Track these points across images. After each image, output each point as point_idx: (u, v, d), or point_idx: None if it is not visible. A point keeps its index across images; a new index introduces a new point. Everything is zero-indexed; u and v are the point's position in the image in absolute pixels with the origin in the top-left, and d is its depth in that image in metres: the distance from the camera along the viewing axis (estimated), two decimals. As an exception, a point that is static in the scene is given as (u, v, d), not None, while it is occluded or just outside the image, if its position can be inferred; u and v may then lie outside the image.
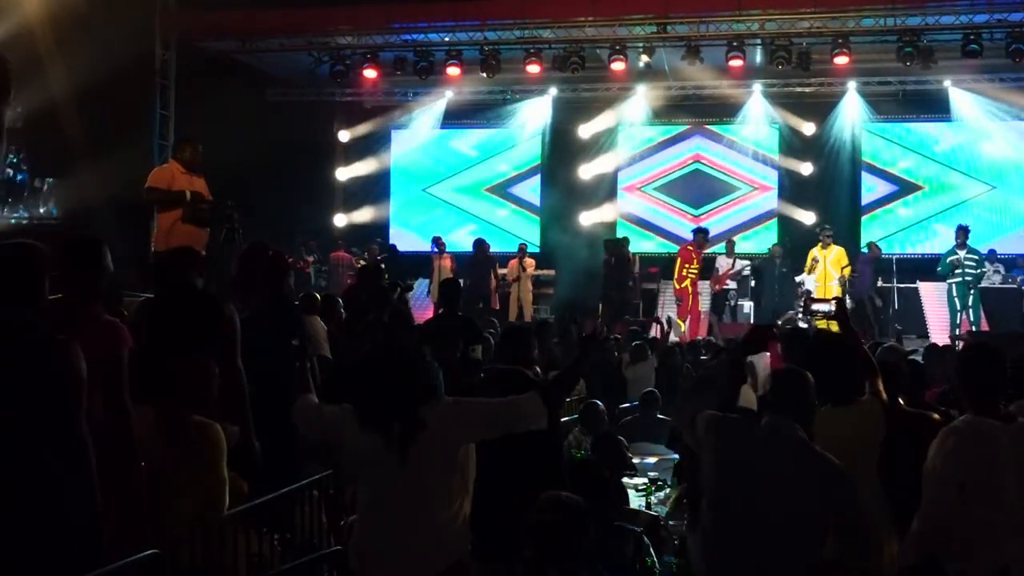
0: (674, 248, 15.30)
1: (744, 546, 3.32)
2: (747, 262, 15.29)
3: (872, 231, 16.85)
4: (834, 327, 6.09)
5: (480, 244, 14.83)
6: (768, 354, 11.04)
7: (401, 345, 3.38)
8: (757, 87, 16.07)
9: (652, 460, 6.34)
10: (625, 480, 5.52)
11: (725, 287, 14.78)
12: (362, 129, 18.16)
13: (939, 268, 13.20)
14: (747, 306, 15.05)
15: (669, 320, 11.94)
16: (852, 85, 15.89)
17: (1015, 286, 13.92)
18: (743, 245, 16.40)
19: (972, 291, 12.84)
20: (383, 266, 14.75)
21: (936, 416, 4.17)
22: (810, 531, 3.29)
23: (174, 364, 3.86)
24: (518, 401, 3.32)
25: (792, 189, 17.16)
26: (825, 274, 13.47)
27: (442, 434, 3.17)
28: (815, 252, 13.76)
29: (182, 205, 7.71)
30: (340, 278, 15.10)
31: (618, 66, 13.79)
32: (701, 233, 14.12)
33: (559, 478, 4.32)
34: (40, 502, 2.91)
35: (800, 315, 13.69)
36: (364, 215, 18.36)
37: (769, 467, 3.35)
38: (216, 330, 4.21)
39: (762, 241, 16.71)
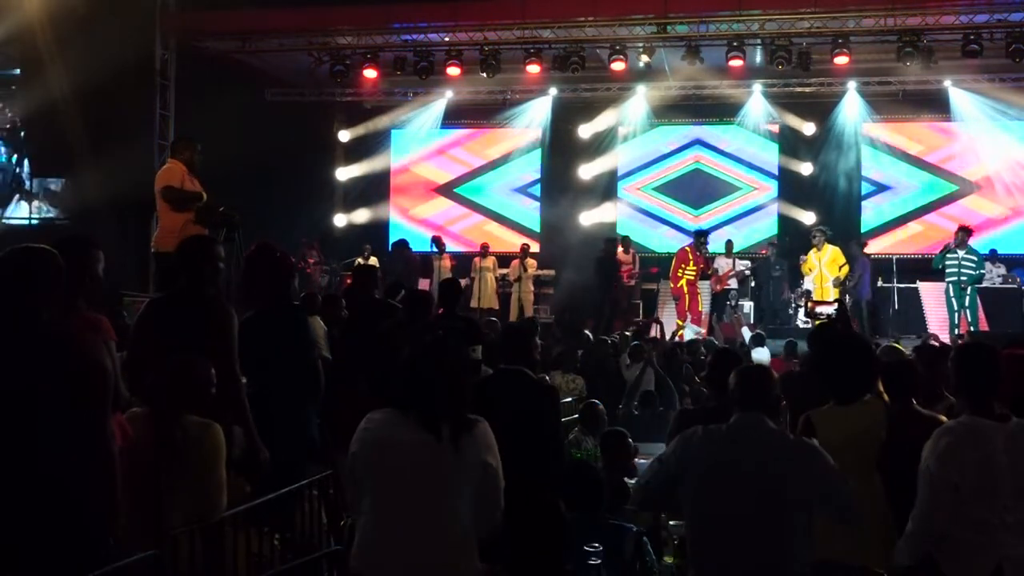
0: (674, 248, 15.29)
1: (732, 543, 3.29)
2: (748, 262, 15.30)
3: (872, 231, 16.87)
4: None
5: (609, 244, 14.73)
6: (766, 350, 11.11)
7: (455, 346, 3.37)
8: (757, 87, 16.07)
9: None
10: (625, 480, 5.52)
11: (726, 287, 14.79)
12: (362, 129, 18.16)
13: (934, 261, 13.13)
14: (747, 306, 15.06)
15: (671, 326, 11.96)
16: (852, 85, 15.88)
17: (1015, 286, 13.91)
18: (743, 245, 16.40)
19: (967, 291, 12.79)
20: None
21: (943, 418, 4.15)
22: (795, 520, 3.27)
23: (169, 364, 3.87)
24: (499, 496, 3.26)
25: (792, 189, 17.16)
26: (820, 275, 13.45)
27: (479, 449, 3.17)
28: (810, 255, 13.73)
29: (199, 205, 7.71)
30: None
31: (618, 66, 13.78)
32: (701, 236, 14.10)
33: (560, 477, 4.33)
34: (57, 497, 2.92)
35: (802, 316, 13.76)
36: (364, 215, 18.36)
37: (745, 461, 3.33)
38: (214, 333, 4.20)
39: (762, 241, 16.72)
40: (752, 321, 14.62)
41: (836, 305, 11.21)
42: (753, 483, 3.27)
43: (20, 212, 14.54)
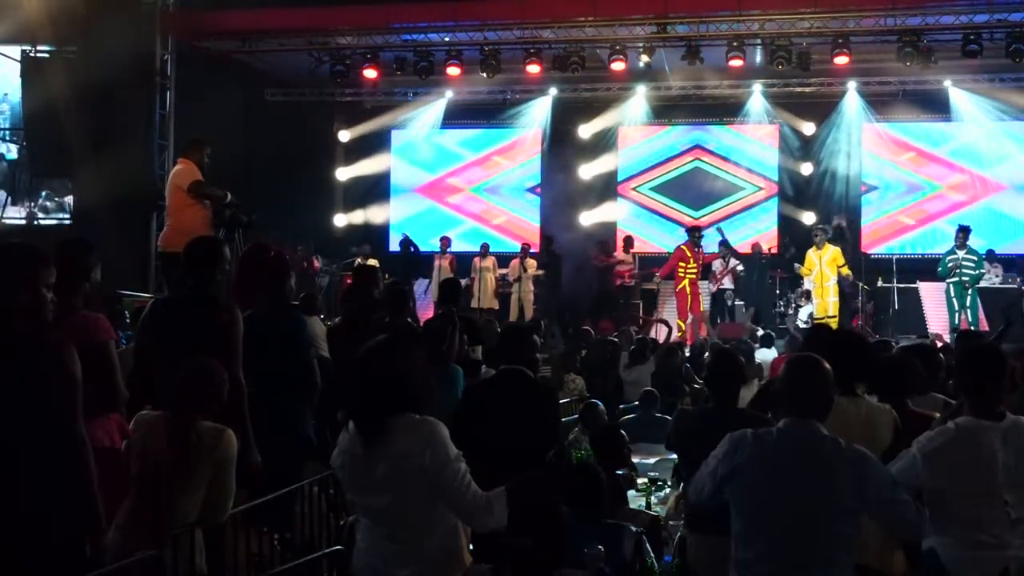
0: (673, 248, 15.27)
1: (778, 549, 3.18)
2: (736, 261, 15.28)
3: (872, 231, 16.87)
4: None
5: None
6: (773, 351, 11.11)
7: (391, 349, 3.22)
8: (757, 87, 16.06)
9: (652, 460, 6.34)
10: (619, 476, 5.52)
11: (721, 287, 14.79)
12: (362, 129, 18.14)
13: (939, 270, 13.19)
14: (743, 306, 15.06)
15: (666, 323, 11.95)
16: (852, 85, 15.88)
17: (1015, 286, 13.92)
18: (743, 246, 16.37)
19: (969, 291, 12.81)
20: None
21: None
22: (844, 528, 3.16)
23: (186, 368, 3.85)
24: (487, 500, 3.09)
25: (792, 189, 17.16)
26: (821, 275, 13.42)
27: (409, 453, 3.04)
28: (808, 255, 13.71)
29: (224, 204, 7.72)
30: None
31: (618, 66, 13.78)
32: (695, 232, 14.10)
33: (560, 478, 4.33)
34: (32, 502, 2.91)
35: (802, 316, 13.77)
36: (364, 215, 18.36)
37: (797, 470, 3.17)
38: (220, 334, 4.19)
39: (762, 241, 16.71)
40: (749, 322, 14.61)
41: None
42: (803, 492, 3.15)
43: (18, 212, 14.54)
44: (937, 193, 16.78)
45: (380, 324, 5.79)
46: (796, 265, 14.04)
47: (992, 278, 14.03)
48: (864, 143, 16.89)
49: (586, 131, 17.43)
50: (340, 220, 18.32)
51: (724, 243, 14.82)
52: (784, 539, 3.17)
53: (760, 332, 12.36)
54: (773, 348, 11.39)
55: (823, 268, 13.41)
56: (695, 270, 13.64)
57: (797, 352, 6.60)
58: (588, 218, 17.37)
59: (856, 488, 3.12)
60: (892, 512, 3.16)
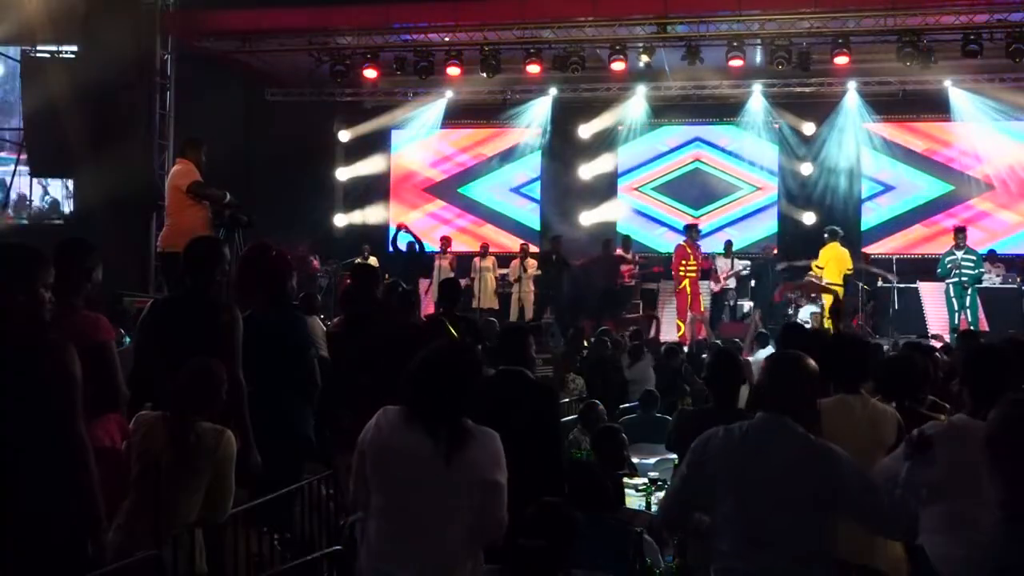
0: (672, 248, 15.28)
1: (755, 544, 3.18)
2: (747, 262, 15.29)
3: (872, 231, 16.87)
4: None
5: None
6: (771, 350, 11.09)
7: (468, 349, 3.34)
8: (757, 87, 16.06)
9: (652, 460, 6.34)
10: (625, 480, 5.52)
11: (725, 287, 14.78)
12: (362, 129, 18.13)
13: (938, 270, 13.19)
14: (747, 306, 15.06)
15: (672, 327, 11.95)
16: (852, 85, 15.88)
17: (1015, 286, 13.91)
18: (741, 244, 16.40)
19: (968, 291, 12.81)
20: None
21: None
22: (820, 522, 3.16)
23: (188, 369, 3.85)
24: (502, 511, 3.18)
25: (792, 189, 17.16)
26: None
27: (483, 463, 3.13)
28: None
29: (223, 205, 7.72)
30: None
31: (618, 66, 13.78)
32: (692, 229, 14.10)
33: (559, 478, 4.33)
34: (32, 502, 2.91)
35: (801, 316, 13.75)
36: (364, 215, 18.36)
37: (767, 465, 3.18)
38: (220, 335, 4.19)
39: (762, 242, 16.72)
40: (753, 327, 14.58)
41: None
42: (775, 488, 3.16)
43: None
44: (937, 193, 16.77)
45: (380, 323, 5.78)
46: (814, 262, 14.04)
47: (993, 278, 14.02)
48: (864, 143, 16.88)
49: (586, 131, 17.42)
50: (340, 220, 18.31)
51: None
52: (752, 531, 3.17)
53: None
54: (770, 347, 11.38)
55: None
56: (695, 268, 13.65)
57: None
58: (588, 218, 17.37)
59: (825, 482, 3.12)
60: (864, 505, 3.14)
